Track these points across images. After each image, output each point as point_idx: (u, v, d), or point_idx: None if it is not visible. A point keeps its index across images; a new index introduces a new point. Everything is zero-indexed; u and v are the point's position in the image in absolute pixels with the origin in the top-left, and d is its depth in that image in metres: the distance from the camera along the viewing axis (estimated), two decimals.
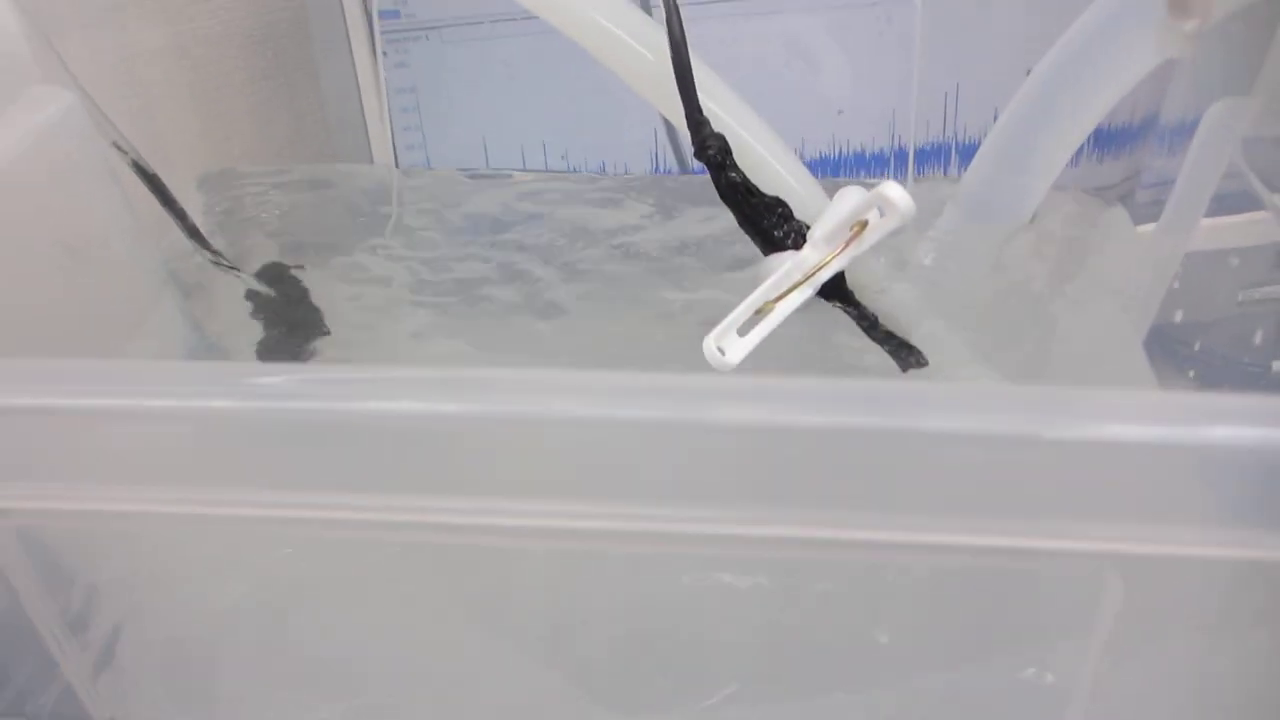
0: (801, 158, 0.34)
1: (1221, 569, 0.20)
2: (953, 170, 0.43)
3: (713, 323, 0.27)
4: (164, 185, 0.35)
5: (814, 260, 0.29)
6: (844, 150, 0.43)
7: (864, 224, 0.28)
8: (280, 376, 0.20)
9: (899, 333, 0.33)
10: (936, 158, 0.43)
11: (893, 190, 0.26)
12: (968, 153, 0.41)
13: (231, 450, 0.20)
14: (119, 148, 0.33)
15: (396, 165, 0.43)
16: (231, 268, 0.38)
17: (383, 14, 0.40)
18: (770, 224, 0.32)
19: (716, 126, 0.32)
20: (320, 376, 0.20)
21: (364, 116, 0.42)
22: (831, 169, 0.44)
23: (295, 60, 0.44)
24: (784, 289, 0.29)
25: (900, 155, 0.42)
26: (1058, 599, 0.23)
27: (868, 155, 0.43)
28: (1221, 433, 0.17)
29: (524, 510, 0.20)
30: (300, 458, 0.20)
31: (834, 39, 0.39)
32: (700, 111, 0.32)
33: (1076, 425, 0.18)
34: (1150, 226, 0.35)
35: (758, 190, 0.32)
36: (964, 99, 0.42)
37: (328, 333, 0.38)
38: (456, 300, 0.39)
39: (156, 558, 0.26)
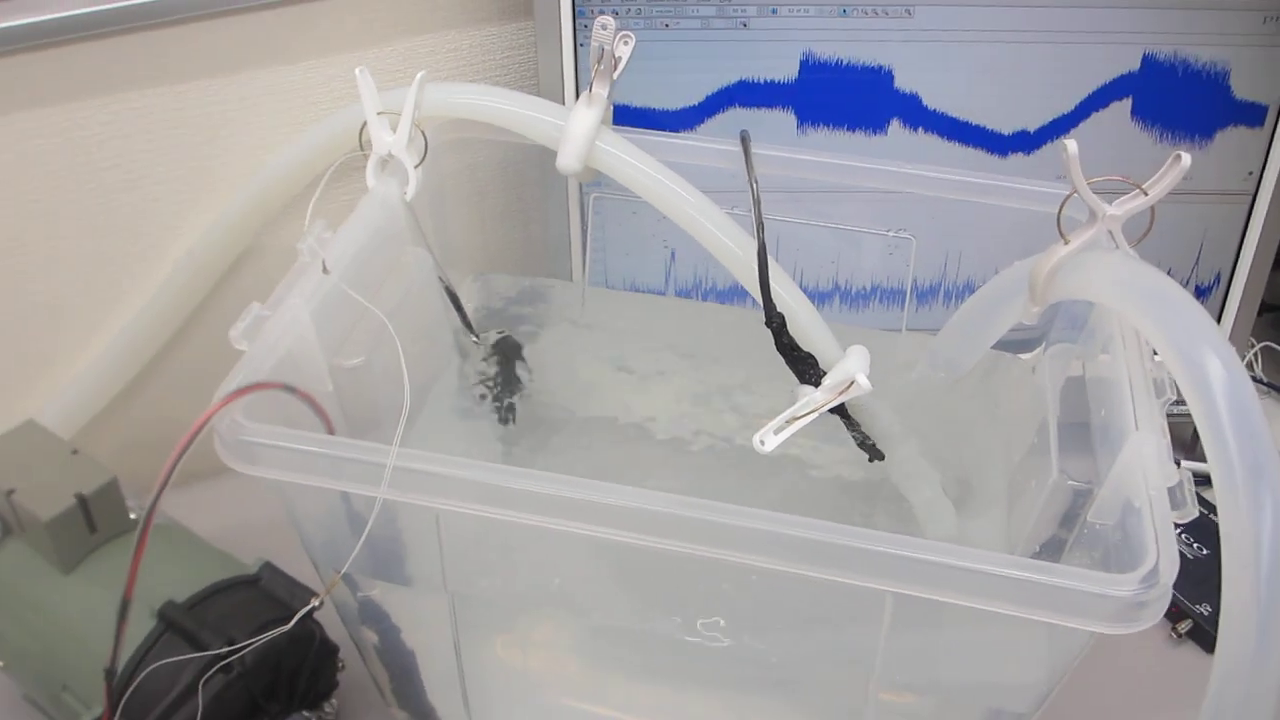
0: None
1: None
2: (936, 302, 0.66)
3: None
4: (456, 293, 0.60)
5: (821, 399, 0.52)
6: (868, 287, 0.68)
7: (851, 383, 0.51)
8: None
9: (871, 437, 0.56)
10: (934, 294, 0.67)
11: (861, 378, 0.50)
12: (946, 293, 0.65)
13: None
14: (440, 278, 0.58)
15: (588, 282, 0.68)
16: (477, 340, 0.63)
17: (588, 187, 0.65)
18: (803, 370, 0.55)
19: (779, 306, 0.55)
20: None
21: (570, 243, 0.67)
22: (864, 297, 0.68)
23: (533, 196, 0.69)
24: (803, 412, 0.52)
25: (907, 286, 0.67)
26: None
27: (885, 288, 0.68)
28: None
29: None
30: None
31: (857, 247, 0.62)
32: (770, 297, 0.55)
33: None
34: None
35: (800, 348, 0.55)
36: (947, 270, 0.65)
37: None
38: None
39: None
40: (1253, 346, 0.84)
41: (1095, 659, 0.64)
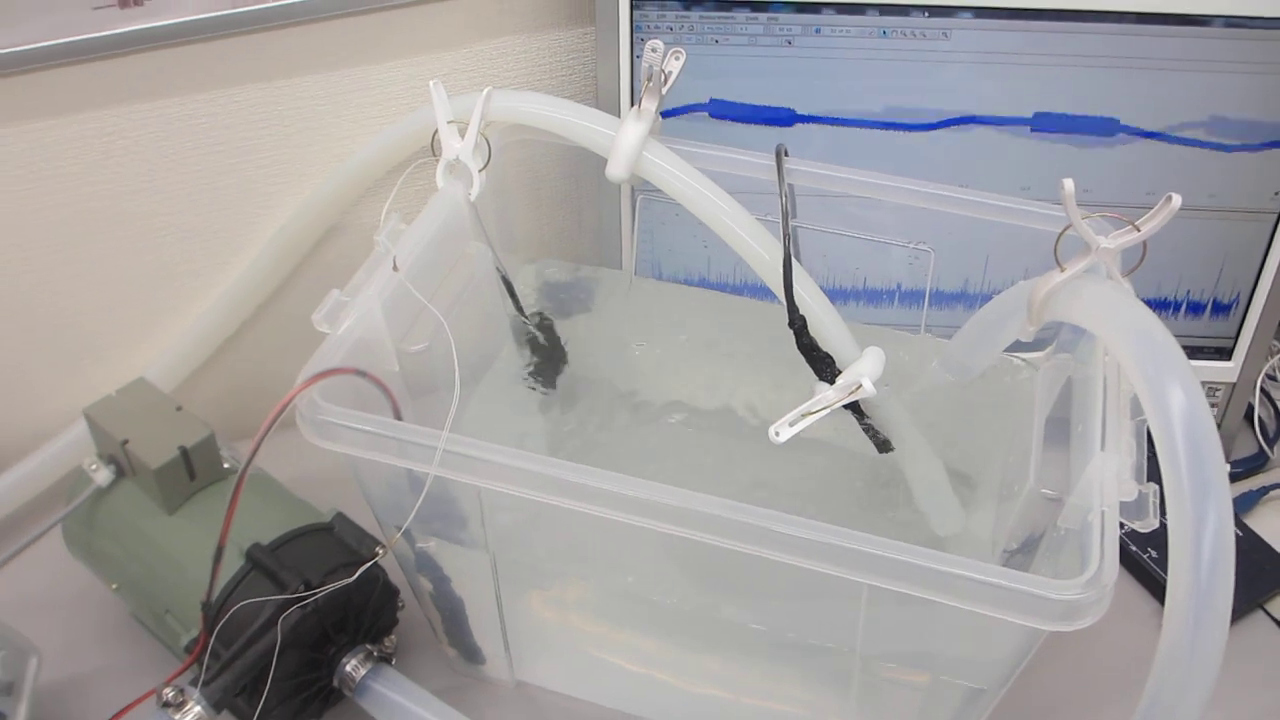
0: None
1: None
2: (957, 305, 0.72)
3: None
4: (510, 281, 0.66)
5: (834, 397, 0.58)
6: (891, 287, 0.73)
7: (860, 386, 0.57)
8: None
9: (883, 431, 0.62)
10: (954, 299, 0.72)
11: (867, 383, 0.55)
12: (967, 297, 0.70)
13: None
14: (497, 268, 0.65)
15: (635, 271, 0.74)
16: (525, 321, 0.70)
17: (638, 189, 0.70)
18: (821, 369, 0.60)
19: (802, 309, 0.60)
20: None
21: (620, 236, 0.73)
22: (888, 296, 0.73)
23: (588, 191, 0.75)
24: (817, 408, 0.58)
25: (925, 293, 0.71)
26: None
27: (907, 290, 0.72)
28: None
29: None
30: None
31: (881, 252, 0.67)
32: (794, 301, 0.60)
33: None
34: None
35: (819, 348, 0.60)
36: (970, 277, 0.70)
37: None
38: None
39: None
40: (1273, 355, 0.87)
41: (1083, 634, 0.69)
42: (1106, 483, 0.48)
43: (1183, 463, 0.44)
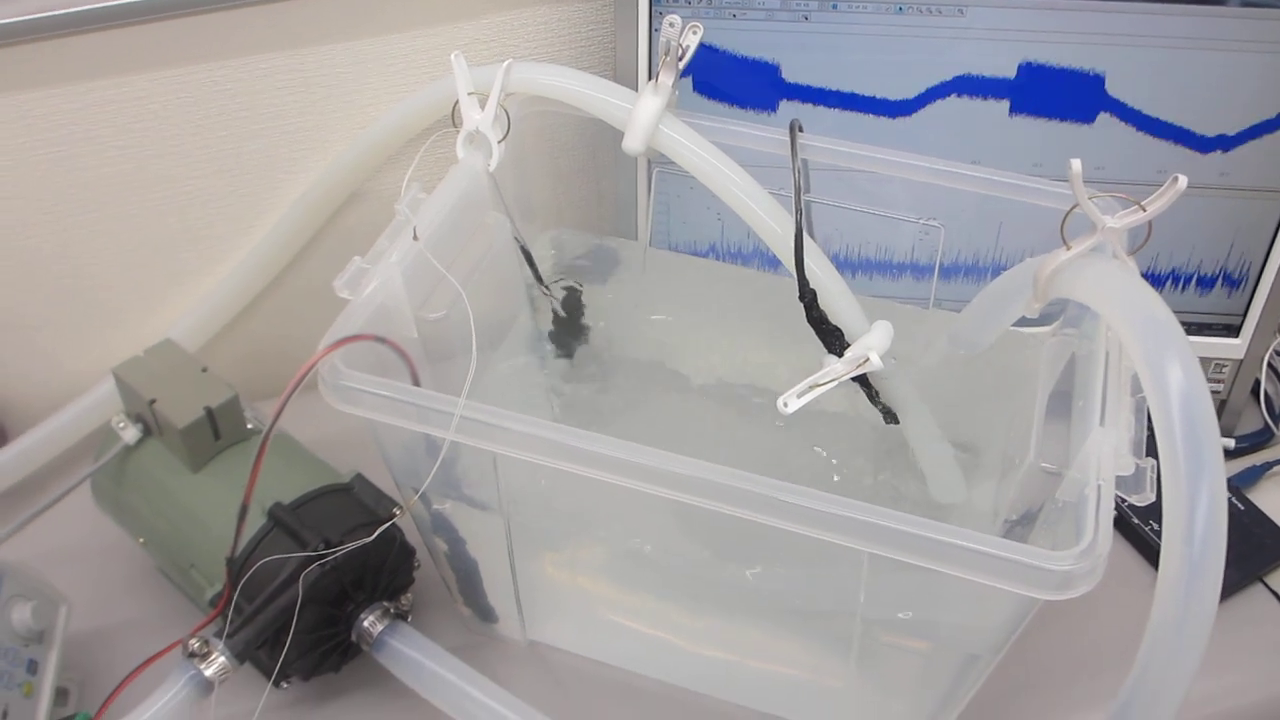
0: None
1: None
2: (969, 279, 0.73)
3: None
4: (529, 249, 0.68)
5: (842, 370, 0.59)
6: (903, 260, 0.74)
7: (867, 359, 0.58)
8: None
9: (889, 404, 0.63)
10: (966, 272, 0.73)
11: (874, 356, 0.56)
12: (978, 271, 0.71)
13: None
14: (516, 237, 0.66)
15: (650, 242, 0.75)
16: (546, 291, 0.71)
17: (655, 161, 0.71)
18: (830, 341, 0.61)
19: (813, 283, 0.62)
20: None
21: (636, 208, 0.74)
22: (900, 269, 0.74)
23: (606, 163, 0.76)
24: (825, 380, 0.59)
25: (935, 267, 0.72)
26: None
27: (919, 264, 0.74)
28: None
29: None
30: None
31: (893, 227, 0.68)
32: (804, 275, 0.61)
33: None
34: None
35: (829, 321, 0.61)
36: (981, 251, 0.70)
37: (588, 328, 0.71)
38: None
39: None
40: None
41: (1088, 603, 0.70)
42: (1104, 457, 0.49)
43: (1178, 439, 0.45)
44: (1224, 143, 0.71)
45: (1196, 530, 0.44)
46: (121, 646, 0.69)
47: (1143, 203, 0.53)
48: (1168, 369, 0.46)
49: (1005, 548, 0.45)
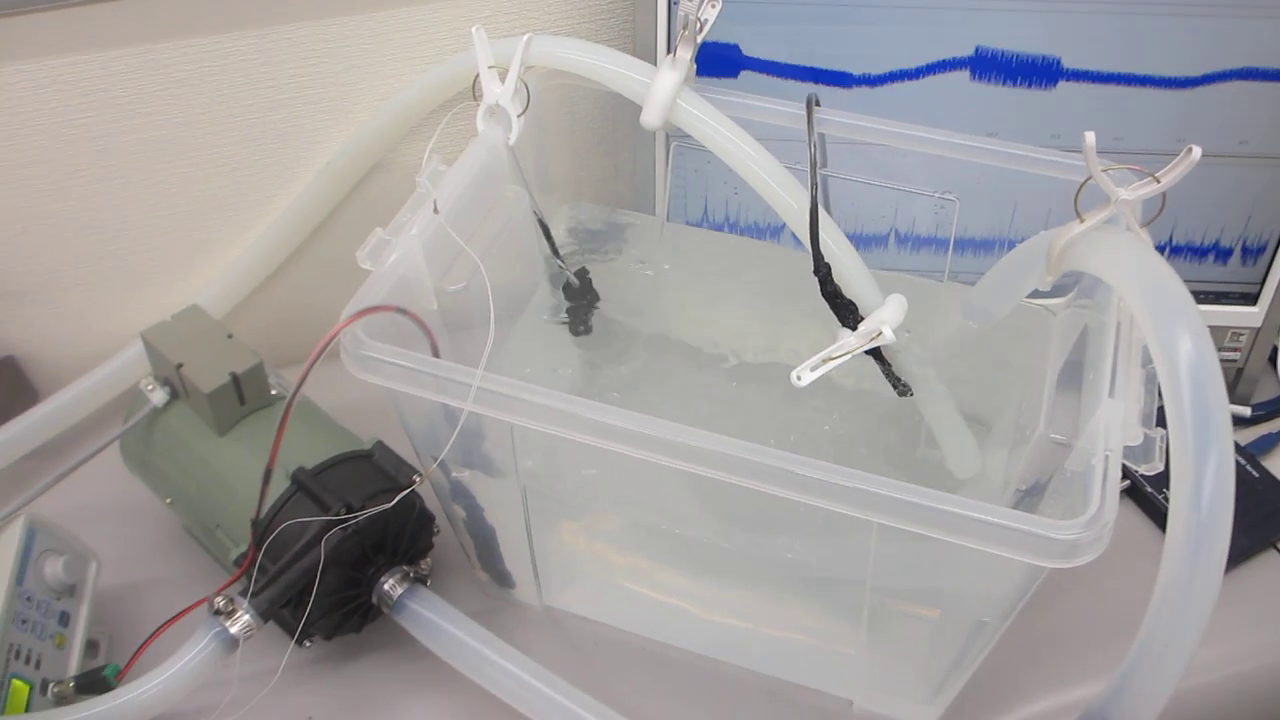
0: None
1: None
2: (985, 251, 0.74)
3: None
4: (546, 224, 0.68)
5: (855, 343, 0.60)
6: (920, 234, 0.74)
7: (880, 333, 0.59)
8: None
9: (903, 377, 0.64)
10: (982, 245, 0.74)
11: (887, 330, 0.57)
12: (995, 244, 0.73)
13: None
14: (534, 210, 0.67)
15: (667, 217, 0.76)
16: (561, 265, 0.72)
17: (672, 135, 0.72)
18: (844, 315, 0.62)
19: (828, 257, 0.62)
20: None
21: (654, 182, 0.75)
22: (917, 242, 0.75)
23: (624, 137, 0.76)
24: (839, 353, 0.60)
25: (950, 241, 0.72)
26: None
27: (936, 237, 0.74)
28: None
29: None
30: None
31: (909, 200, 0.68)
32: (819, 249, 0.62)
33: None
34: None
35: (843, 295, 0.62)
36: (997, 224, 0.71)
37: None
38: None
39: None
40: None
41: (1104, 571, 0.71)
42: (1112, 428, 0.49)
43: (1187, 407, 0.45)
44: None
45: (1204, 497, 0.44)
46: (149, 603, 0.71)
47: (1157, 174, 0.53)
48: (1177, 339, 0.46)
49: (1011, 517, 0.46)
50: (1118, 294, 0.55)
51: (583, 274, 0.72)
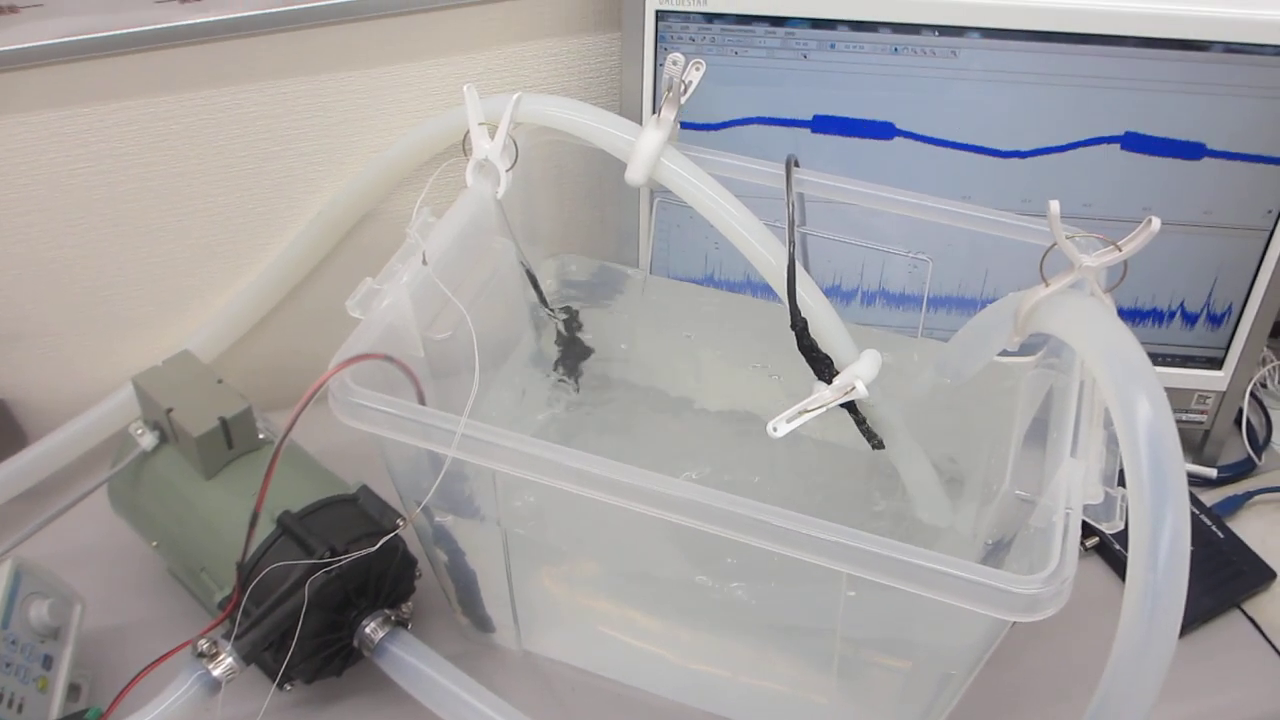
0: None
1: None
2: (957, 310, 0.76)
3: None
4: (534, 273, 0.70)
5: (830, 397, 0.61)
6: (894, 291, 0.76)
7: (854, 387, 0.61)
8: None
9: (876, 430, 0.66)
10: (955, 304, 0.76)
11: (860, 385, 0.59)
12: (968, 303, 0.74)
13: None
14: (521, 261, 0.69)
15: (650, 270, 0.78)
16: (551, 314, 0.74)
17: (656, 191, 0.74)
18: (820, 369, 0.64)
19: (805, 312, 0.64)
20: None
21: (637, 235, 0.77)
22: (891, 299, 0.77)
23: (610, 191, 0.78)
24: (814, 406, 0.61)
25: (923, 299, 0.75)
26: None
27: (909, 294, 0.76)
28: None
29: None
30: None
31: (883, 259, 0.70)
32: (796, 305, 0.64)
33: None
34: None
35: (819, 349, 0.64)
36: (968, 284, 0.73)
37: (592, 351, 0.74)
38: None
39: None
40: (1265, 364, 0.90)
41: (1074, 625, 0.72)
42: (1073, 486, 0.51)
43: (1144, 470, 0.47)
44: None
45: (1160, 557, 0.46)
46: (133, 645, 0.72)
47: (1119, 243, 0.55)
48: (1136, 404, 0.48)
49: (975, 571, 0.47)
50: (1079, 356, 0.57)
51: (572, 318, 0.74)
